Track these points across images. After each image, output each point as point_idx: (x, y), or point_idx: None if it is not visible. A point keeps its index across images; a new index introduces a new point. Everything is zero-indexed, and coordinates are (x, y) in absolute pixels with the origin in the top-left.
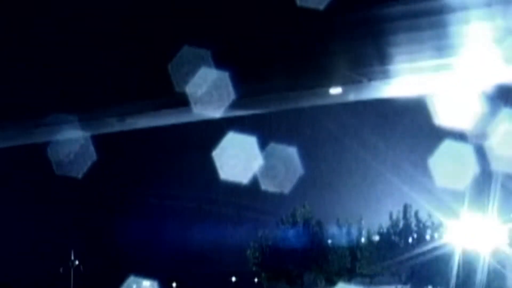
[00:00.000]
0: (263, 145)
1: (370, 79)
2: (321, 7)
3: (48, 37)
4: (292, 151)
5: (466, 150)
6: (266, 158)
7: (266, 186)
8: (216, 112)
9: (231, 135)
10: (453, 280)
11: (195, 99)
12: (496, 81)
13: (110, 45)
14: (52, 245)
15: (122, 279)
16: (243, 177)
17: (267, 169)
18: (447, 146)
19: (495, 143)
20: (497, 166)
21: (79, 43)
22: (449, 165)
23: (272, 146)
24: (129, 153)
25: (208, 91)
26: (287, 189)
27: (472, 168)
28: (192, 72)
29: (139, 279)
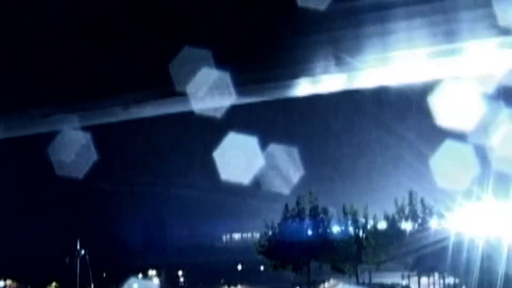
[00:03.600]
0: (265, 142)
1: (371, 66)
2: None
3: (54, 28)
4: (293, 151)
5: (467, 149)
6: (268, 157)
7: (268, 186)
8: (217, 101)
9: (232, 134)
10: (459, 267)
11: (193, 89)
12: (497, 68)
13: (114, 35)
14: (60, 235)
15: (129, 268)
16: (244, 178)
17: (269, 169)
18: (448, 146)
19: (495, 143)
20: (497, 165)
21: (84, 34)
22: (450, 165)
23: (273, 146)
24: (134, 143)
25: (208, 81)
26: (287, 189)
27: (473, 167)
28: (193, 63)
29: (145, 268)
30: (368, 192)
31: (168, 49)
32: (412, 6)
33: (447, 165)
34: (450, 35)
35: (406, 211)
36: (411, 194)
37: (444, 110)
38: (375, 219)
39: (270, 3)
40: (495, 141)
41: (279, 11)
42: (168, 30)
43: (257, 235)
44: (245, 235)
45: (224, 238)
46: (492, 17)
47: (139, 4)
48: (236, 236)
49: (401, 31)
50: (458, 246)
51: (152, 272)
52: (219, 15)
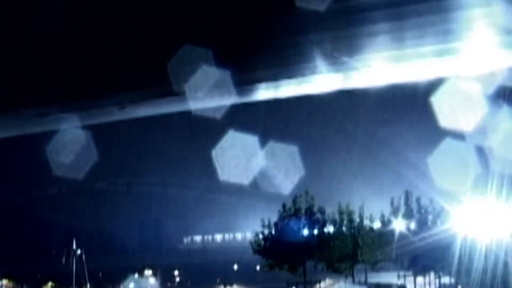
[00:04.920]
0: (263, 142)
1: (368, 66)
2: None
3: (51, 29)
4: (291, 150)
5: (466, 149)
6: (266, 157)
7: (265, 185)
8: (215, 101)
9: (230, 135)
10: (455, 267)
11: (192, 88)
12: (497, 66)
13: (111, 36)
14: (56, 234)
15: (125, 267)
16: (242, 177)
17: (267, 168)
18: (447, 146)
19: (495, 142)
20: (496, 165)
21: (81, 35)
22: (449, 165)
23: (271, 146)
24: (131, 143)
25: (202, 80)
26: (285, 189)
27: (471, 166)
28: (189, 63)
29: (141, 268)
30: (364, 192)
31: (165, 49)
32: (410, 6)
33: (445, 164)
34: (448, 35)
35: (402, 210)
36: (407, 193)
37: (444, 110)
38: (371, 218)
39: (267, 4)
40: (494, 141)
41: (276, 12)
42: (165, 30)
43: (254, 235)
44: (242, 234)
45: (220, 237)
46: (491, 16)
47: (137, 4)
48: (232, 236)
49: (399, 31)
50: (453, 246)
51: (148, 272)
52: (217, 16)
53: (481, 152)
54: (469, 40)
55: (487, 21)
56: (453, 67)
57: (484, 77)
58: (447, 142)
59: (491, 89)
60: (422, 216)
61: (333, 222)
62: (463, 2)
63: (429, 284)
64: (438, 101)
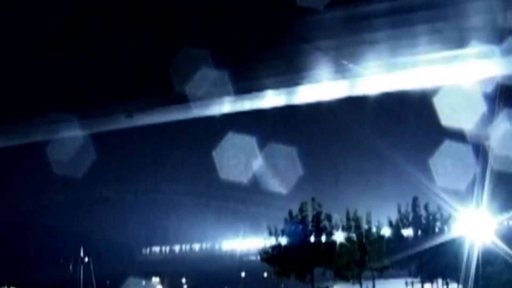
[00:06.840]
0: (270, 148)
1: (374, 73)
2: (322, 3)
3: (59, 39)
4: (292, 151)
5: (467, 150)
6: (266, 158)
7: (266, 186)
8: (221, 108)
9: (234, 137)
10: (463, 273)
11: (199, 95)
12: (495, 74)
13: (117, 44)
14: (63, 242)
15: (132, 274)
16: (243, 177)
17: (267, 168)
18: (450, 148)
19: (495, 143)
20: (497, 165)
21: (89, 45)
22: (450, 165)
23: (271, 146)
24: (138, 151)
25: (209, 88)
26: (291, 194)
27: (473, 167)
28: (196, 71)
29: (148, 275)
30: (371, 198)
31: (172, 58)
32: (415, 13)
33: (450, 168)
34: (451, 42)
35: (410, 217)
36: (414, 200)
37: (449, 113)
38: (378, 225)
39: (273, 12)
40: (494, 142)
41: (282, 20)
42: (172, 40)
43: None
44: (248, 242)
45: (227, 244)
46: (492, 24)
47: (146, 14)
48: (239, 242)
49: (404, 38)
50: (461, 253)
51: (155, 279)
52: (223, 25)
53: (485, 155)
54: (471, 48)
55: (490, 28)
56: (456, 74)
57: (484, 80)
58: (452, 146)
59: (491, 91)
60: (430, 222)
61: (341, 229)
62: (468, 10)
63: None
64: (442, 105)
